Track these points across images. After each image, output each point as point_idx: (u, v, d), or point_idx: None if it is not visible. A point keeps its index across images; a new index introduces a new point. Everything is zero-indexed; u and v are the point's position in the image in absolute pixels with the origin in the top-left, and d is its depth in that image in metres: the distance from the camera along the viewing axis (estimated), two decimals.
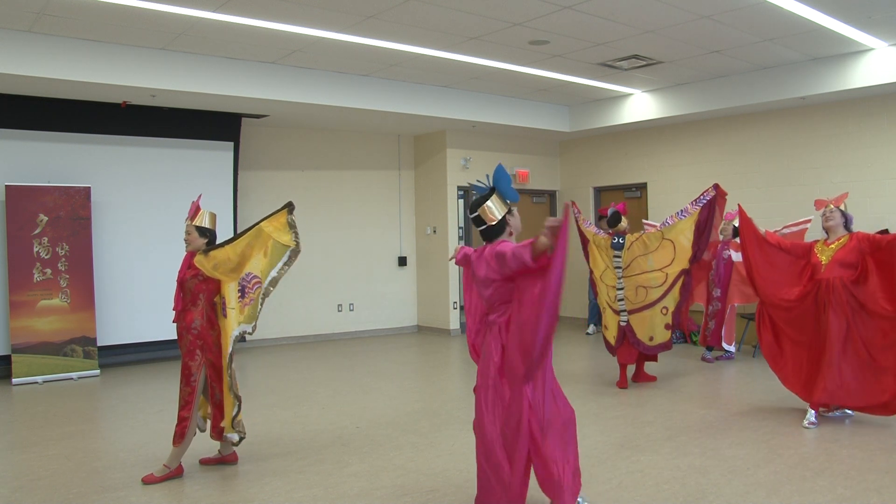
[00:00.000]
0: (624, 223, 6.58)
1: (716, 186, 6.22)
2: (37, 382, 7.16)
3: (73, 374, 7.37)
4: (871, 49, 7.40)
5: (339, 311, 10.10)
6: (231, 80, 7.56)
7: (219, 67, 7.47)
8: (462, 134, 10.37)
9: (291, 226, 4.26)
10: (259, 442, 4.96)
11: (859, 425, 5.10)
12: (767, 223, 8.64)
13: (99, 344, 7.63)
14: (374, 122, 9.63)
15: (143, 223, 8.18)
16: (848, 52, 7.53)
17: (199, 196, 4.53)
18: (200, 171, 8.63)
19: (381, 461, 4.48)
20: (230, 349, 4.22)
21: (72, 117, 7.79)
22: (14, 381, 7.10)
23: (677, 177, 9.96)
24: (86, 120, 7.87)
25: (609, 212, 6.73)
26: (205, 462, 4.46)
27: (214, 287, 4.29)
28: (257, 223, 4.24)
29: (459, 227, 10.53)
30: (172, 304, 4.38)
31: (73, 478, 4.25)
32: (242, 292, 4.25)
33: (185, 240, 4.34)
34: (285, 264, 4.32)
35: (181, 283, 4.31)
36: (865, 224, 8.01)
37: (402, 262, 10.73)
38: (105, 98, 7.61)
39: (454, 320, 10.34)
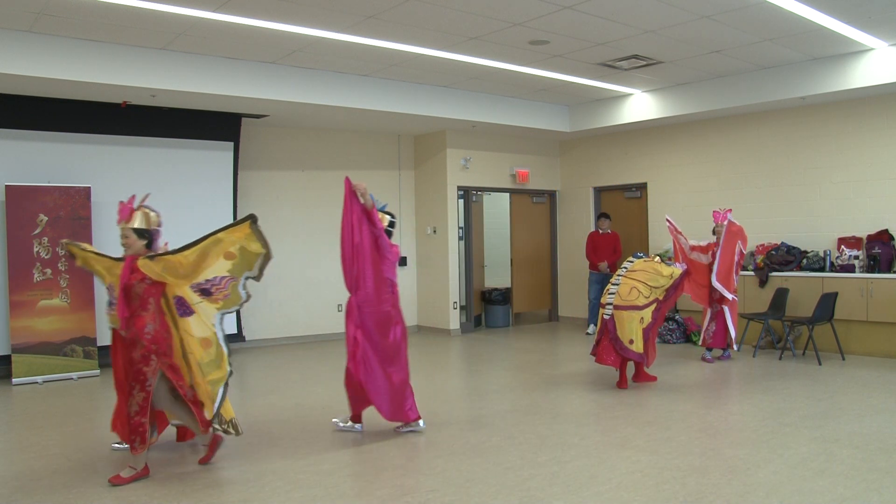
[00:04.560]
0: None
1: (685, 272, 6.66)
2: (37, 382, 7.16)
3: (74, 374, 7.37)
4: (871, 49, 7.39)
5: (339, 311, 10.08)
6: (231, 80, 7.56)
7: (219, 67, 7.47)
8: (462, 134, 10.37)
9: (259, 234, 4.14)
10: (259, 442, 4.96)
11: (859, 425, 5.10)
12: (767, 223, 8.71)
13: (99, 344, 7.61)
14: (374, 122, 9.63)
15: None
16: (848, 52, 7.53)
17: (132, 197, 4.39)
18: (200, 171, 8.63)
19: (381, 461, 4.48)
20: (218, 332, 4.25)
21: (72, 117, 7.78)
22: (14, 381, 7.10)
23: (677, 177, 9.96)
24: (86, 120, 7.86)
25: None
26: (203, 461, 4.45)
27: (163, 290, 4.22)
28: (214, 233, 4.14)
29: (459, 228, 10.53)
30: (116, 312, 4.21)
31: (73, 478, 4.25)
32: (206, 293, 4.20)
33: (123, 244, 4.24)
34: (260, 270, 4.22)
35: (127, 288, 4.16)
36: (865, 224, 8.03)
37: (402, 262, 10.72)
38: (105, 98, 7.61)
39: (454, 320, 10.34)
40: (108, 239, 7.95)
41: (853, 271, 7.86)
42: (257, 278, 4.27)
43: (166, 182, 8.37)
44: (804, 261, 8.37)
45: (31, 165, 7.58)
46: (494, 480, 4.07)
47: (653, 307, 6.40)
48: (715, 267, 7.49)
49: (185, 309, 4.24)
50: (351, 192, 4.87)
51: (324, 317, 9.97)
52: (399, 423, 5.08)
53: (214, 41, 6.91)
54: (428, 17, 6.29)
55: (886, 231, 7.79)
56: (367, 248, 4.92)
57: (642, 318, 6.32)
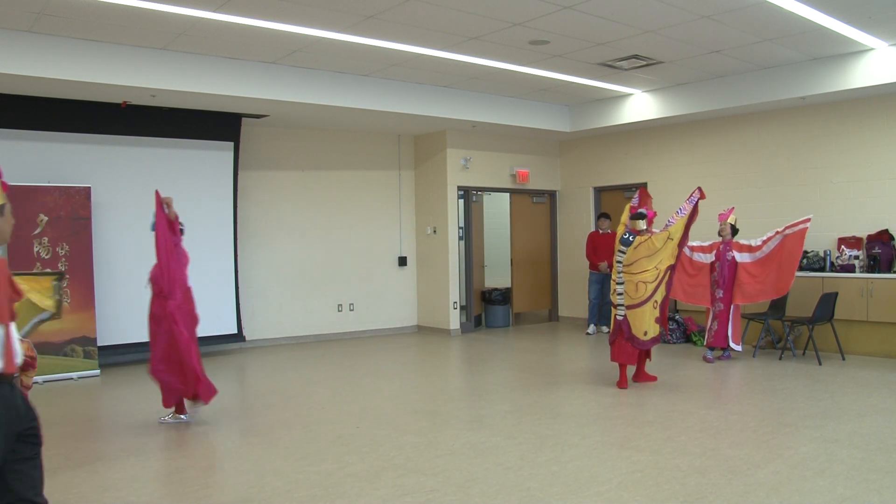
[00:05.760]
0: (642, 225, 6.50)
1: (699, 189, 6.52)
2: (37, 382, 7.16)
3: (74, 374, 7.37)
4: (871, 49, 7.39)
5: (339, 311, 10.09)
6: (231, 80, 7.56)
7: (219, 67, 7.47)
8: (462, 134, 10.37)
9: (56, 291, 4.21)
10: (259, 442, 4.97)
11: (859, 425, 5.10)
12: (767, 223, 8.69)
13: (99, 344, 7.63)
14: (374, 122, 9.63)
15: (143, 223, 8.12)
16: (848, 52, 7.53)
17: None
18: (200, 171, 8.63)
19: (381, 461, 4.48)
20: None
21: (72, 117, 7.78)
22: None
23: (677, 177, 9.95)
24: (86, 120, 7.86)
25: (637, 210, 6.64)
26: None
27: None
28: (14, 274, 4.11)
29: (459, 227, 10.53)
30: None
31: (72, 478, 4.25)
32: None
33: None
34: (38, 323, 4.21)
35: None
36: (866, 224, 8.03)
37: (402, 262, 10.73)
38: (105, 98, 7.61)
39: (454, 320, 10.34)
40: (108, 239, 7.98)
41: (853, 271, 7.86)
42: (26, 334, 4.12)
43: (166, 182, 8.29)
44: (804, 261, 8.35)
45: (31, 165, 7.58)
46: (494, 480, 4.07)
47: (665, 279, 6.36)
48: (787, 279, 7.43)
49: None
50: (160, 204, 5.37)
51: (323, 317, 9.97)
52: (166, 414, 5.63)
53: (214, 41, 6.91)
54: (428, 17, 6.29)
55: (886, 231, 7.79)
56: (176, 253, 5.45)
57: (656, 301, 6.33)
